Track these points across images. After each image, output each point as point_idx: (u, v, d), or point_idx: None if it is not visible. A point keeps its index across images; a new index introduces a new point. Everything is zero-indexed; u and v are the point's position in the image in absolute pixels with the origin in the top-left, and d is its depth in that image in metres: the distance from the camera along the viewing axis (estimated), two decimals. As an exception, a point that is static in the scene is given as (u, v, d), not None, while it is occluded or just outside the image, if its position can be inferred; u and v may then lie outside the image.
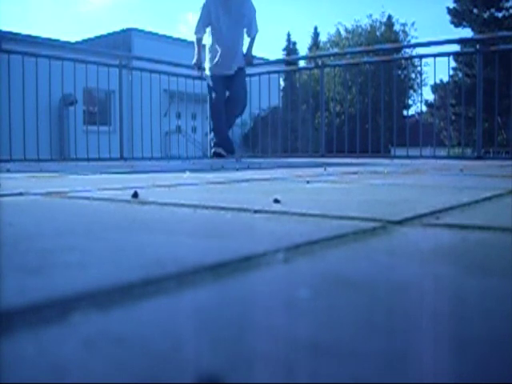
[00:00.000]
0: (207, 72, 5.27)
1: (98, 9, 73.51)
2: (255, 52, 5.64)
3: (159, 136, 7.15)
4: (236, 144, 5.64)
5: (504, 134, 14.15)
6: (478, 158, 5.08)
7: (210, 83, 5.23)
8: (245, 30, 5.24)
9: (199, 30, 5.17)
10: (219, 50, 5.13)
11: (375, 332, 0.42)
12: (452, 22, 25.43)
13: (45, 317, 0.45)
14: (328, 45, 28.75)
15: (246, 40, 5.41)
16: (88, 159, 5.57)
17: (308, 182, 2.11)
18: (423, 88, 31.28)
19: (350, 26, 28.35)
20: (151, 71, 6.49)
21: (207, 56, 5.26)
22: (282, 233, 0.88)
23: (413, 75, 23.55)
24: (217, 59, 5.14)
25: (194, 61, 5.32)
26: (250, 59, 5.55)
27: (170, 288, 0.54)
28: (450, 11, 25.48)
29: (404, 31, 28.13)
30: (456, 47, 16.10)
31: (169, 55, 8.87)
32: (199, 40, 5.24)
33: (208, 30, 5.16)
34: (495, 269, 0.65)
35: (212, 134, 5.32)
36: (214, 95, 5.20)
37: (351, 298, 0.51)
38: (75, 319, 0.44)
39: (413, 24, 34.43)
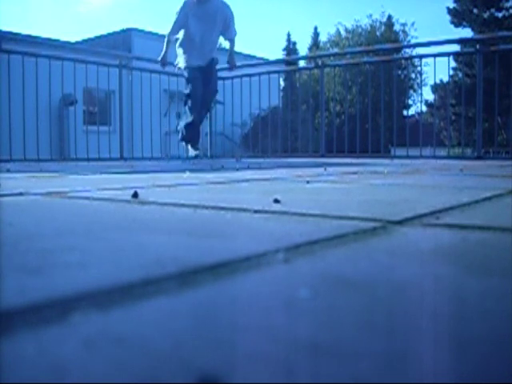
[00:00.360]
0: (181, 65, 5.30)
1: (97, 9, 73.53)
2: (255, 52, 5.64)
3: (159, 136, 7.15)
4: (236, 144, 5.61)
5: (504, 134, 14.15)
6: (478, 158, 5.08)
7: (186, 74, 5.27)
8: (222, 35, 5.34)
9: (173, 33, 5.25)
10: (190, 45, 5.22)
11: (375, 332, 0.42)
12: (452, 22, 25.42)
13: (45, 317, 0.45)
14: (328, 45, 28.76)
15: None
16: (88, 159, 5.57)
17: (308, 182, 2.11)
18: (423, 88, 31.29)
19: (350, 26, 28.37)
20: (151, 71, 6.49)
21: (179, 51, 5.30)
22: (282, 233, 0.89)
23: (413, 75, 23.55)
24: (189, 51, 5.23)
25: (160, 58, 5.38)
26: (232, 62, 5.60)
27: (170, 288, 0.54)
28: (450, 11, 25.47)
29: (404, 31, 28.14)
30: (456, 47, 16.10)
31: (169, 55, 8.86)
32: (169, 41, 5.32)
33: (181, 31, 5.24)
34: (495, 269, 0.65)
35: (183, 124, 5.26)
36: (190, 86, 5.23)
37: (351, 298, 0.51)
38: (75, 319, 0.44)
39: (413, 24, 34.52)
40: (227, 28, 5.29)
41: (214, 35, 5.30)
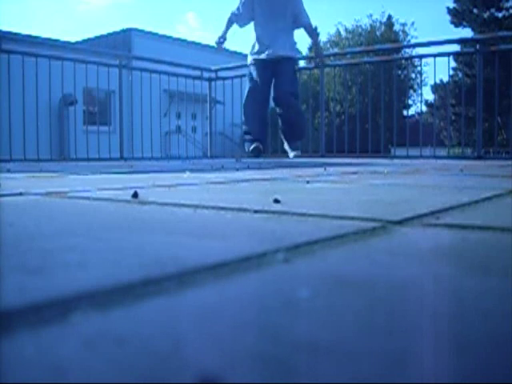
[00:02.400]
0: (248, 61, 5.04)
1: (96, 9, 73.75)
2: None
3: (159, 136, 7.16)
4: (236, 144, 5.59)
5: (504, 134, 14.15)
6: (478, 158, 5.08)
7: (251, 71, 4.99)
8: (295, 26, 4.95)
9: (235, 13, 4.91)
10: (256, 37, 4.91)
11: (375, 332, 0.42)
12: (452, 22, 25.41)
13: (45, 317, 0.45)
14: (328, 45, 28.73)
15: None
16: (88, 159, 5.57)
17: (308, 182, 2.11)
18: (423, 88, 31.30)
19: (350, 26, 28.35)
20: (151, 71, 6.49)
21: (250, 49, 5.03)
22: (282, 233, 0.88)
23: (413, 75, 23.53)
24: (255, 46, 4.92)
25: (218, 36, 5.00)
26: (318, 53, 5.25)
27: (170, 288, 0.54)
28: (450, 11, 25.46)
29: (404, 31, 28.12)
30: (456, 47, 16.09)
31: (169, 55, 8.88)
32: (230, 21, 4.97)
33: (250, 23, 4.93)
34: (495, 269, 0.65)
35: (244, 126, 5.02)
36: (249, 84, 4.96)
37: (351, 298, 0.51)
38: (75, 319, 0.44)
39: (412, 24, 34.49)
40: (296, 16, 4.87)
41: (283, 26, 4.86)
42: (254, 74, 4.92)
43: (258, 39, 4.91)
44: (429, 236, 0.89)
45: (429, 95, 43.41)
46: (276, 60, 4.85)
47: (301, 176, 2.60)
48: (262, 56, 4.89)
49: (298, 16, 4.93)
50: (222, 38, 5.01)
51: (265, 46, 4.88)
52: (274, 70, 4.87)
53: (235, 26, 5.10)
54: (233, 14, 4.99)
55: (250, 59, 5.01)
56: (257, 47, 4.93)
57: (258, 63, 4.91)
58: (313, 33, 5.14)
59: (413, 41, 26.14)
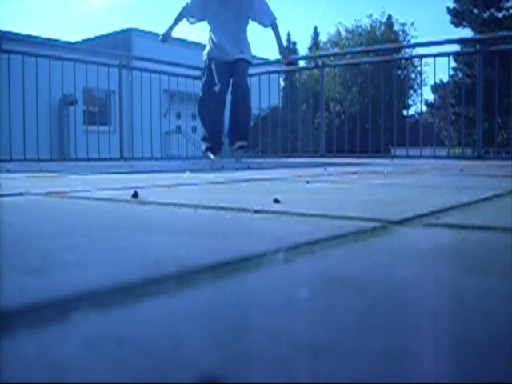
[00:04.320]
0: (204, 54, 4.90)
1: (95, 9, 73.71)
2: (255, 52, 5.20)
3: (159, 136, 7.16)
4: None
5: (504, 134, 14.16)
6: (478, 157, 5.08)
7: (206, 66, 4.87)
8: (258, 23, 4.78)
9: (186, 7, 4.70)
10: (218, 37, 4.76)
11: (375, 332, 0.42)
12: (452, 22, 25.41)
13: (45, 317, 0.45)
14: (328, 45, 28.75)
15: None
16: (88, 159, 5.57)
17: (308, 182, 2.11)
18: (423, 88, 31.31)
19: (350, 26, 28.37)
20: (151, 71, 6.49)
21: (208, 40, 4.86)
22: (282, 233, 0.88)
23: (413, 75, 23.54)
24: (217, 43, 4.76)
25: (163, 32, 4.79)
26: (283, 54, 5.04)
27: (170, 288, 0.54)
28: (449, 11, 25.46)
29: (404, 31, 28.14)
30: (456, 47, 16.11)
31: (169, 55, 8.87)
32: (180, 15, 4.76)
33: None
34: (495, 269, 0.65)
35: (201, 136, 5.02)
36: (203, 80, 4.91)
37: (351, 298, 0.51)
38: (75, 319, 0.44)
39: (412, 24, 34.53)
40: (257, 14, 4.67)
41: (242, 26, 4.72)
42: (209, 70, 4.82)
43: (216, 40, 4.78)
44: (429, 236, 0.89)
45: (429, 95, 43.48)
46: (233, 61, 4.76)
47: (301, 176, 2.60)
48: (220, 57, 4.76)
49: (261, 16, 4.77)
50: (167, 35, 4.80)
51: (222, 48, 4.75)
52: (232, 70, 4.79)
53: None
54: (184, 8, 4.78)
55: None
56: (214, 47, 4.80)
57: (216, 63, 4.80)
58: (277, 32, 4.92)
59: (413, 41, 26.18)
